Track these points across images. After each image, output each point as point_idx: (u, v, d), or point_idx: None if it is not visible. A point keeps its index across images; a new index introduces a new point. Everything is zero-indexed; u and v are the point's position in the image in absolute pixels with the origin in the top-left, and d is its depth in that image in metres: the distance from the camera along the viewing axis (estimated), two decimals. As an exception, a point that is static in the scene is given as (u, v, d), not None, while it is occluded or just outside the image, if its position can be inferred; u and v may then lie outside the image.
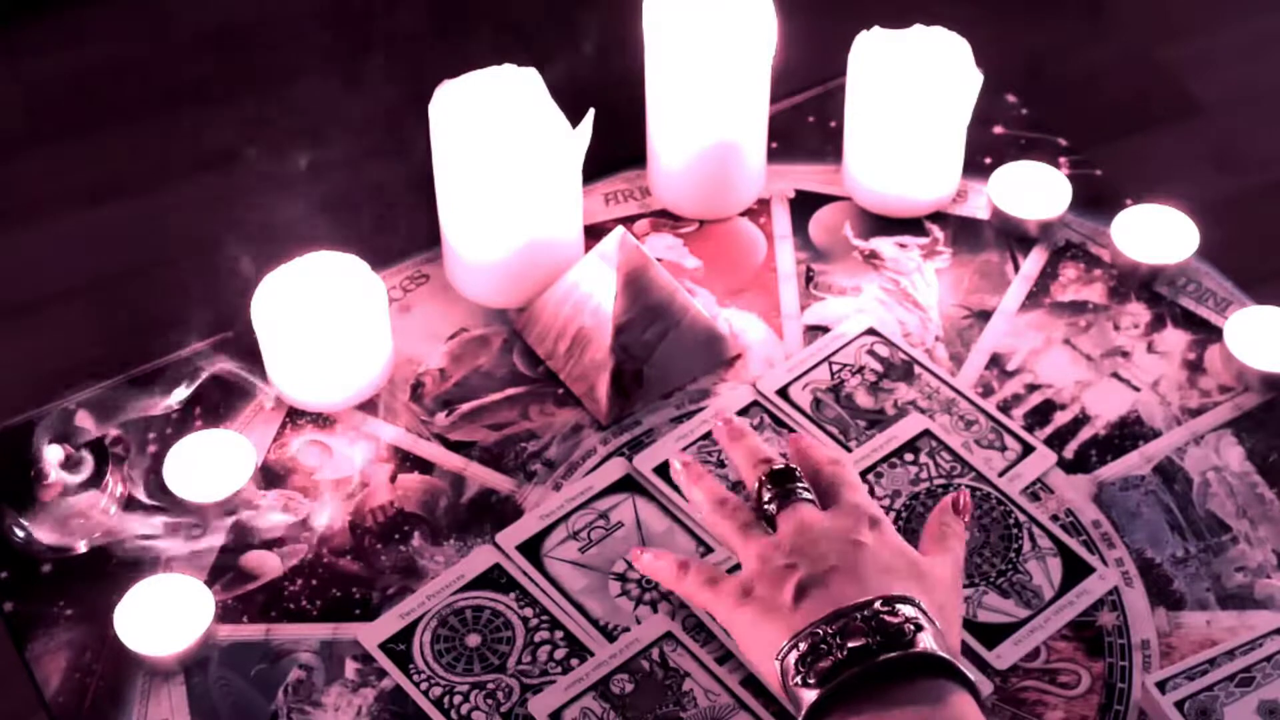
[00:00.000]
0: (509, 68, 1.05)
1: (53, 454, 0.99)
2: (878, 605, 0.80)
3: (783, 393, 1.04)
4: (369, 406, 1.04)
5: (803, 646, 0.80)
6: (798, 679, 0.80)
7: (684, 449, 1.01)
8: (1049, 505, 0.98)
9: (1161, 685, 0.90)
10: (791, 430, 1.02)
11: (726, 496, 0.92)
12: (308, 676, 0.91)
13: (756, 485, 0.91)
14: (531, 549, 0.97)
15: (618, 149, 1.16)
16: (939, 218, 1.15)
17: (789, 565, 0.85)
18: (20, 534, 0.97)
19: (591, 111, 1.03)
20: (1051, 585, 0.95)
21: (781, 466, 0.90)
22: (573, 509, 0.98)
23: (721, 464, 1.00)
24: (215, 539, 0.97)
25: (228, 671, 0.92)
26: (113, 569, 0.96)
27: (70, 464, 0.99)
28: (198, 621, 0.92)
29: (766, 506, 0.90)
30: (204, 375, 1.04)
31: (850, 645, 0.79)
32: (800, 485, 0.90)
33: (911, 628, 0.80)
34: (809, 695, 0.79)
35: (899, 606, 0.81)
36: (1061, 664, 0.92)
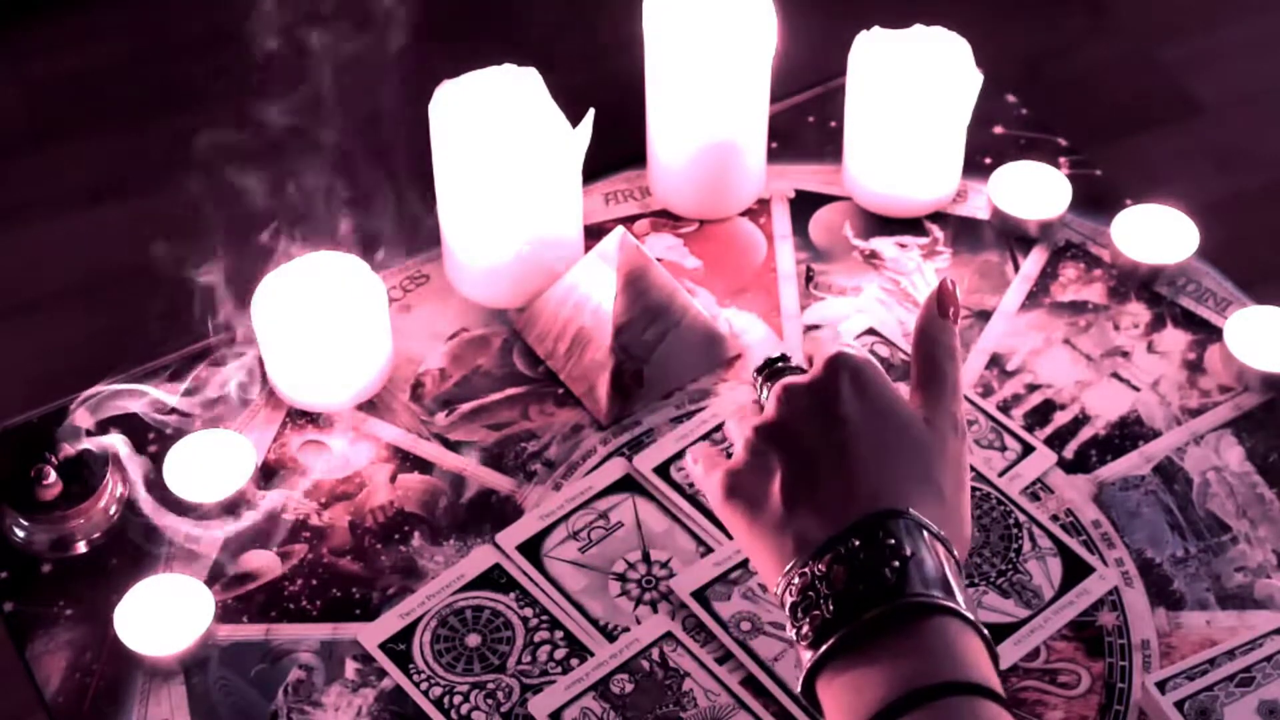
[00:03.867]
0: (509, 68, 1.05)
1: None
2: (857, 542, 0.74)
3: (783, 393, 1.04)
4: (369, 406, 1.04)
5: (796, 585, 0.75)
6: (794, 633, 0.76)
7: (683, 450, 1.01)
8: (1049, 505, 0.98)
9: (1161, 685, 0.89)
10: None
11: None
12: (308, 676, 0.91)
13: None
14: (531, 549, 0.97)
15: (618, 149, 1.16)
16: (939, 218, 1.15)
17: (770, 455, 0.79)
18: (20, 534, 0.97)
19: (591, 111, 1.03)
20: (1051, 585, 0.95)
21: (771, 356, 0.87)
22: (573, 509, 0.98)
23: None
24: (215, 539, 0.97)
25: (228, 671, 0.92)
26: (113, 569, 0.96)
27: (71, 464, 0.99)
28: (198, 621, 0.92)
29: (761, 396, 0.86)
30: (204, 376, 1.04)
31: (836, 594, 0.74)
32: (788, 364, 0.86)
33: (897, 564, 0.74)
34: (806, 655, 0.75)
35: (886, 527, 0.75)
36: (1061, 664, 0.92)
